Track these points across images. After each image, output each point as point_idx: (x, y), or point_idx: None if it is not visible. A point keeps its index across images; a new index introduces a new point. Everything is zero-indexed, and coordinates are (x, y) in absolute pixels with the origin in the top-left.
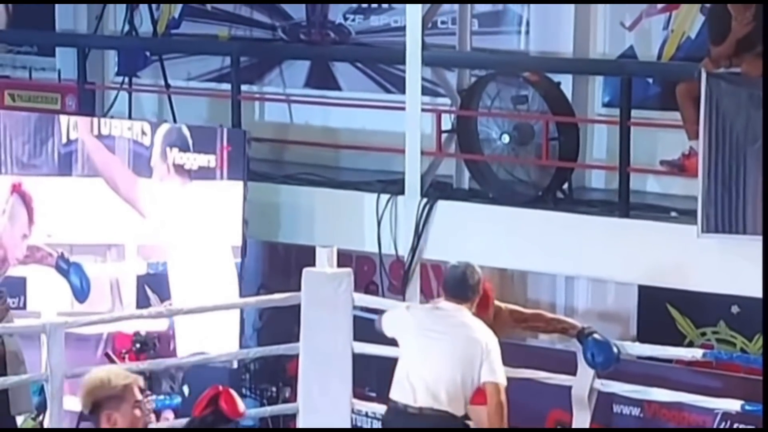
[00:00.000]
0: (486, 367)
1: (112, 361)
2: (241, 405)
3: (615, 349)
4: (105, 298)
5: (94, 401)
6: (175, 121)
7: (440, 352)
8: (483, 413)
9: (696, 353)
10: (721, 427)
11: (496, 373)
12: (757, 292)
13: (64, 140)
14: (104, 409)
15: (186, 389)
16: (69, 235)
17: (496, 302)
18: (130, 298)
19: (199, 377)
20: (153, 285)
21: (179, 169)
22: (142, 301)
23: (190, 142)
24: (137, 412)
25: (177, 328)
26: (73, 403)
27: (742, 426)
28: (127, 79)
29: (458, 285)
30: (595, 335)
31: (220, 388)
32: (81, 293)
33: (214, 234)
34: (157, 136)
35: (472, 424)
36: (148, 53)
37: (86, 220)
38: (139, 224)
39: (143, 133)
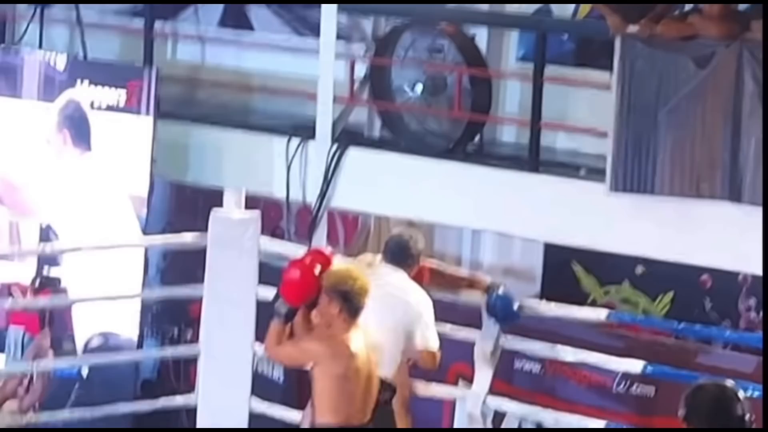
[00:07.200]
0: (420, 333)
1: (11, 294)
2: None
3: (516, 306)
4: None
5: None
6: (85, 56)
7: (375, 316)
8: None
9: (600, 315)
10: (620, 388)
11: (429, 339)
12: (663, 254)
13: None
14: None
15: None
16: None
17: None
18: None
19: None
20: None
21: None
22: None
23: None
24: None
25: (73, 272)
26: None
27: (641, 386)
28: (39, 10)
29: (399, 252)
30: (500, 291)
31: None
32: None
33: (120, 172)
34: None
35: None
36: None
37: None
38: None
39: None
